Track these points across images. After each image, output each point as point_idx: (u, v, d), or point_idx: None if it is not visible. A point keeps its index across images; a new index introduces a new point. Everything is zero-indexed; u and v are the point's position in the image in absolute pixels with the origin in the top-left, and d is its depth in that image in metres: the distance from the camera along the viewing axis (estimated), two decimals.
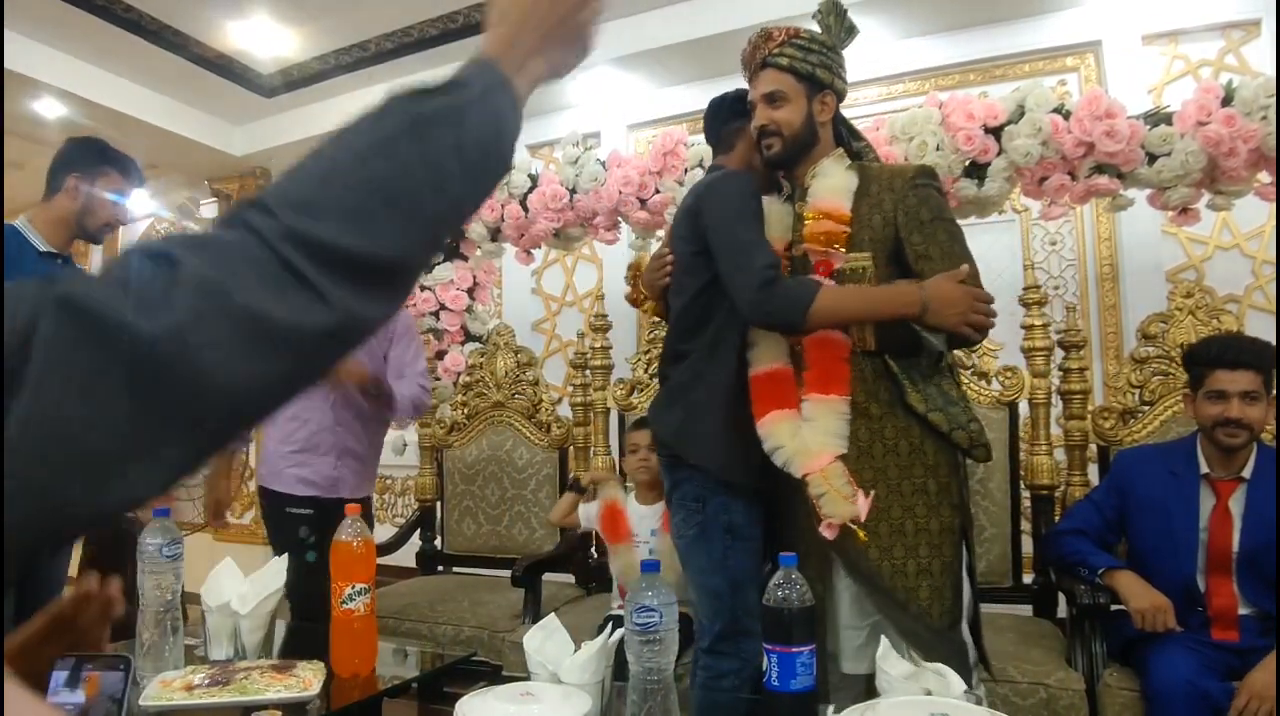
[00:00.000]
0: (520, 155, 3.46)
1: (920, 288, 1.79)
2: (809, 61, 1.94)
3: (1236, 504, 2.11)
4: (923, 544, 1.82)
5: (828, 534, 1.80)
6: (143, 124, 4.67)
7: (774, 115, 1.94)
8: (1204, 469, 2.16)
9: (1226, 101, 2.55)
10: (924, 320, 1.79)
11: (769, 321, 1.89)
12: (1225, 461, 2.13)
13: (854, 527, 1.78)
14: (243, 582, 1.93)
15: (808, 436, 1.84)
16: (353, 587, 1.77)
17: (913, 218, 1.88)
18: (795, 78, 1.94)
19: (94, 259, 2.27)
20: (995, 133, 2.71)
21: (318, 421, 2.61)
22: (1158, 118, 2.64)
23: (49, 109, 4.49)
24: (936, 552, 1.83)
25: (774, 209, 2.00)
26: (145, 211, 6.18)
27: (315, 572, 2.35)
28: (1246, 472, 2.12)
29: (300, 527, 2.54)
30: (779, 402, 1.88)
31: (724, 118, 2.13)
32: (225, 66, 4.48)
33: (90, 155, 2.57)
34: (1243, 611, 2.06)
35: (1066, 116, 2.62)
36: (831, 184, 1.92)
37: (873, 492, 1.80)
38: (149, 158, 5.32)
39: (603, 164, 3.28)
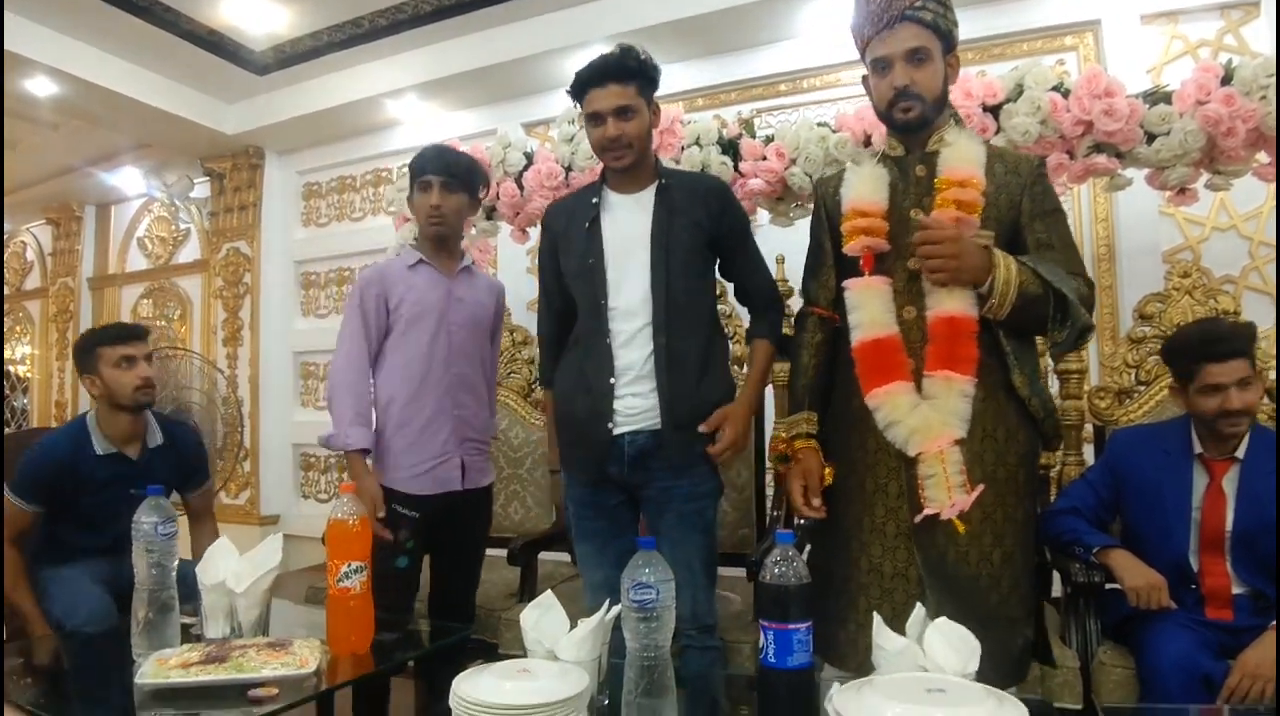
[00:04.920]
0: (515, 134, 3.44)
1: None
2: (948, 19, 1.84)
3: (1230, 483, 2.11)
4: (1009, 533, 1.80)
5: (927, 512, 1.76)
6: (135, 102, 4.64)
7: (917, 76, 1.81)
8: (1197, 449, 2.16)
9: (1226, 81, 2.54)
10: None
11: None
12: (1219, 442, 2.13)
13: (953, 517, 1.74)
14: (238, 561, 1.93)
15: (929, 414, 1.77)
16: (349, 566, 1.77)
17: (1039, 206, 1.86)
18: (936, 35, 1.82)
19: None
20: (994, 111, 2.70)
21: (433, 405, 2.34)
22: (1157, 97, 2.63)
23: (41, 87, 4.46)
24: (1019, 542, 1.82)
25: (870, 171, 1.92)
26: (137, 191, 6.15)
27: (402, 578, 2.32)
28: (1240, 452, 2.12)
29: (401, 530, 2.29)
30: (891, 374, 1.81)
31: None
32: (217, 43, 4.44)
33: (103, 337, 2.66)
34: (1237, 590, 2.07)
35: (1065, 95, 2.61)
36: (964, 153, 1.83)
37: (981, 488, 1.75)
38: (141, 137, 5.30)
39: None
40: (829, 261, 2.03)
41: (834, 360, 2.03)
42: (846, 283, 1.89)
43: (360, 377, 2.35)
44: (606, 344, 2.04)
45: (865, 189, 1.89)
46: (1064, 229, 1.88)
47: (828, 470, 1.94)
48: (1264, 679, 1.85)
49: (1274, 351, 2.46)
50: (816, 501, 1.93)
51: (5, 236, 7.23)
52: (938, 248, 1.75)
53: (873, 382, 1.82)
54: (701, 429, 2.00)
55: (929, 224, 1.77)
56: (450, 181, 2.37)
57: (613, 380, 2.03)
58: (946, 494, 1.74)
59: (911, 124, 1.86)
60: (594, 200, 2.11)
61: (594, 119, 2.04)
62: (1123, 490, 2.25)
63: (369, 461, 2.37)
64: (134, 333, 2.69)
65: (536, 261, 4.52)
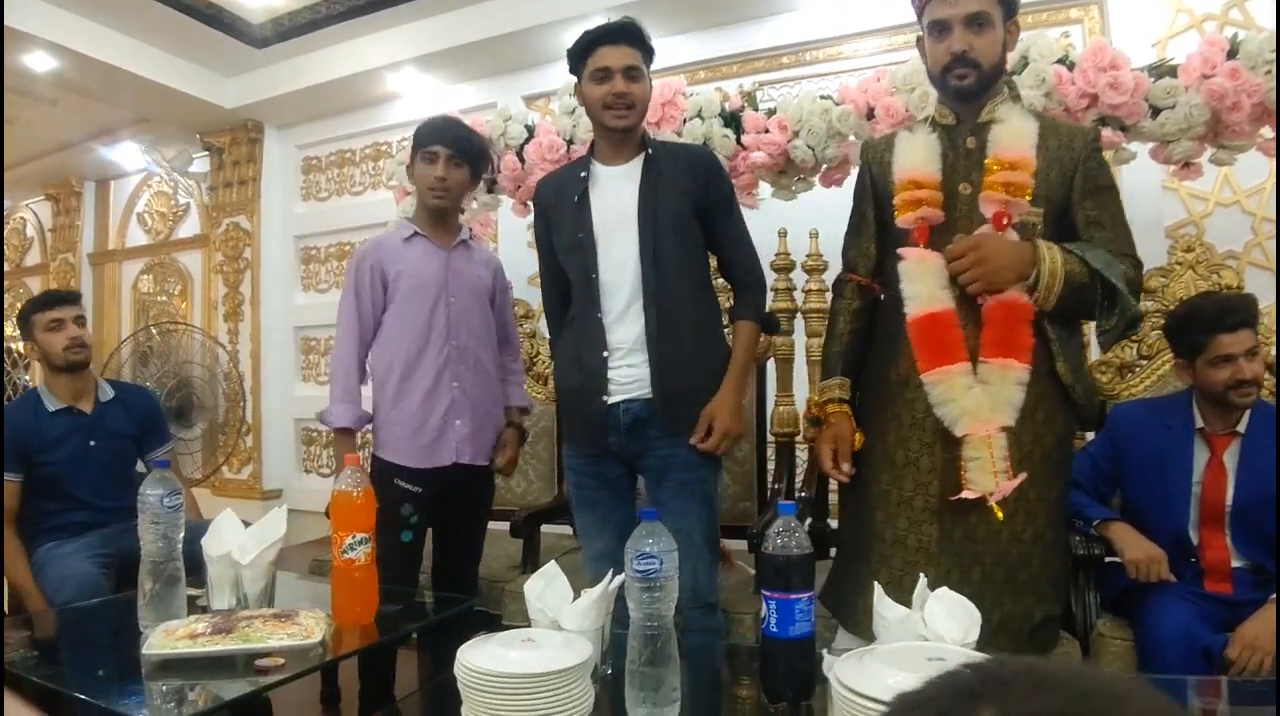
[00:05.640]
0: (516, 107, 3.42)
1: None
2: None
3: (1231, 458, 2.12)
4: (1041, 512, 1.81)
5: (966, 495, 1.75)
6: (133, 77, 4.60)
7: (975, 42, 1.76)
8: (1199, 423, 2.16)
9: (1231, 55, 2.51)
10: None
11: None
12: (1222, 416, 2.14)
13: (990, 501, 1.74)
14: (243, 533, 1.94)
15: (981, 398, 1.75)
16: (353, 537, 1.78)
17: (1090, 182, 1.82)
18: (998, 0, 1.78)
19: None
20: None
21: (431, 378, 2.33)
22: (1162, 70, 2.61)
23: (39, 63, 4.42)
24: (1050, 521, 1.83)
25: (922, 140, 1.88)
26: (136, 166, 6.13)
27: (405, 552, 2.34)
28: (1241, 427, 2.12)
29: (404, 504, 2.30)
30: (949, 352, 1.78)
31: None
32: (215, 16, 4.41)
33: (35, 305, 2.80)
34: (1236, 564, 2.08)
35: (1070, 68, 2.59)
36: (1017, 130, 1.79)
37: (1024, 476, 1.75)
38: (139, 111, 5.27)
39: None
40: (871, 229, 2.02)
41: (871, 328, 2.02)
42: (901, 252, 1.86)
43: (351, 355, 2.36)
44: (598, 318, 2.05)
45: (918, 158, 1.86)
46: (1116, 206, 1.85)
47: (858, 435, 1.95)
48: (1263, 651, 1.86)
49: (1274, 327, 2.46)
50: (846, 466, 1.94)
51: (5, 213, 7.20)
52: (960, 263, 1.74)
53: (931, 360, 1.79)
54: (693, 441, 2.01)
55: (953, 250, 1.76)
56: (456, 155, 2.35)
57: (605, 354, 2.04)
58: (991, 479, 1.73)
59: (966, 92, 1.82)
60: (582, 174, 2.11)
61: (602, 74, 2.03)
62: (1123, 464, 2.26)
63: (371, 435, 2.38)
64: (61, 298, 2.82)
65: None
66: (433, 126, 2.40)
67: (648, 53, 2.08)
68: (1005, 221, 1.77)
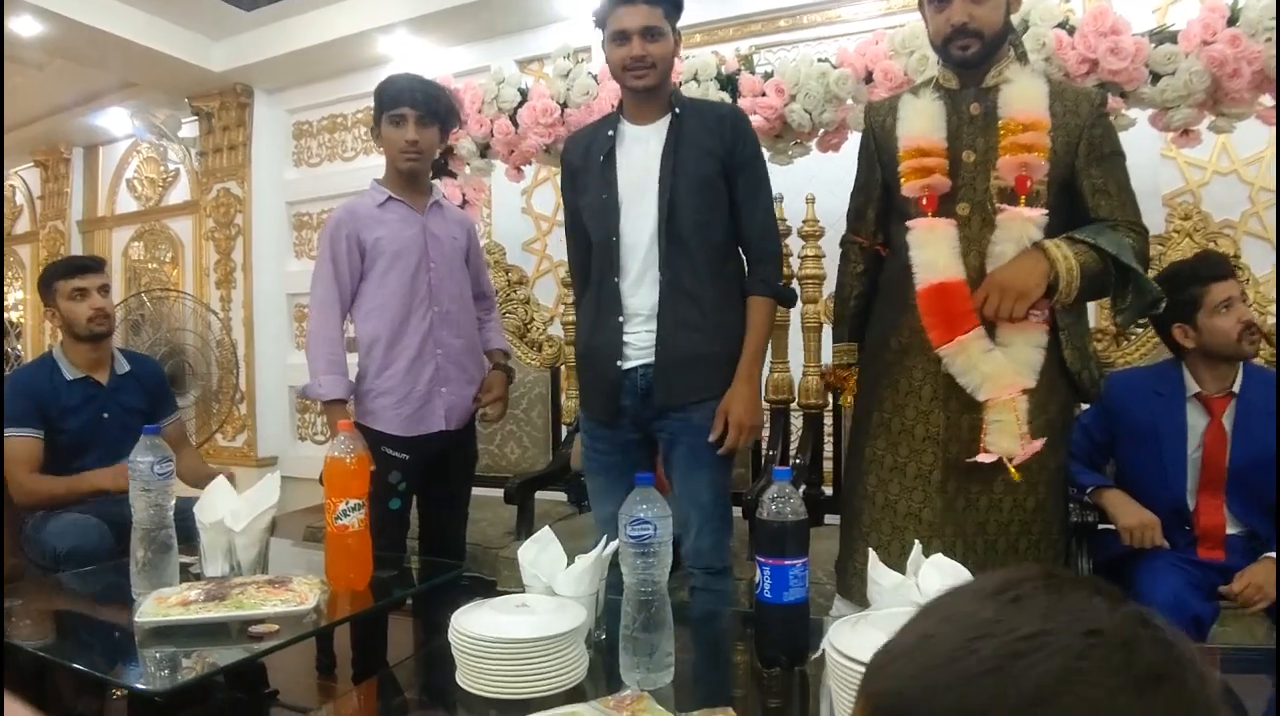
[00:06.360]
0: (509, 70, 3.38)
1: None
2: None
3: (1229, 420, 2.12)
4: (1043, 482, 1.82)
5: (983, 459, 1.75)
6: (121, 41, 4.53)
7: (975, 12, 1.74)
8: (1194, 389, 2.16)
9: (1232, 22, 2.49)
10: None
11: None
12: (1217, 377, 2.13)
13: (1008, 464, 1.73)
14: (236, 500, 1.94)
15: (1002, 361, 1.74)
16: (347, 503, 1.78)
17: (1096, 149, 1.79)
18: None
19: None
20: None
21: (416, 345, 2.32)
22: (1163, 36, 2.58)
23: (26, 27, 4.34)
24: (1053, 492, 1.85)
25: (926, 106, 1.85)
26: (125, 132, 6.05)
27: (394, 519, 2.35)
28: (1235, 387, 2.13)
29: (392, 472, 2.30)
30: (961, 324, 1.76)
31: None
32: None
33: (58, 271, 2.75)
34: (1231, 531, 2.09)
35: (1071, 32, 2.56)
36: (1026, 92, 1.76)
37: (1043, 440, 1.75)
38: (127, 76, 5.20)
39: (595, 77, 3.20)
40: (872, 192, 2.01)
41: (875, 290, 2.03)
42: (910, 223, 1.84)
43: (331, 325, 2.33)
44: (615, 283, 2.03)
45: (923, 125, 1.83)
46: (1121, 173, 1.82)
47: (850, 383, 2.02)
48: (1266, 596, 1.89)
49: (1273, 295, 2.46)
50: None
51: None
52: (986, 309, 1.72)
53: (943, 334, 1.77)
54: (711, 440, 1.98)
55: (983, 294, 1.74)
56: (425, 116, 2.32)
57: (620, 319, 2.03)
58: (1016, 442, 1.72)
59: (969, 61, 1.80)
60: (610, 133, 2.09)
61: (619, 38, 1.99)
62: (1117, 433, 2.27)
63: (351, 406, 2.37)
64: (86, 266, 2.76)
65: (531, 200, 4.50)
66: (398, 86, 2.33)
67: (671, 7, 2.03)
68: (1029, 184, 1.73)
